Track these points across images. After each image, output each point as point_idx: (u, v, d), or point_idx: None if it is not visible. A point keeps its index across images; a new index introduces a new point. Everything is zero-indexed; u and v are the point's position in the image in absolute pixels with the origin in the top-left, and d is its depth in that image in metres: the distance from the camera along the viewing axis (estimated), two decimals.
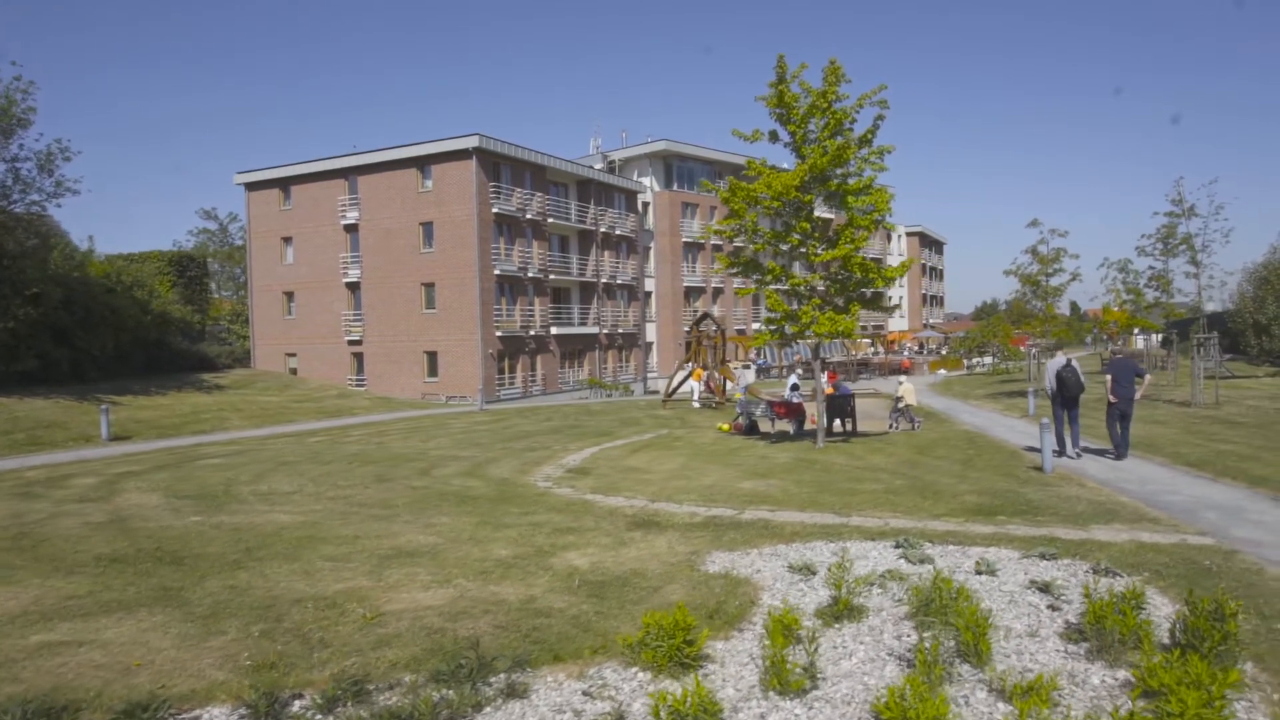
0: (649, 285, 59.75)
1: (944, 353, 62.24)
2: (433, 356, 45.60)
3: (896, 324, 78.14)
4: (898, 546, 8.05)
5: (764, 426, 22.20)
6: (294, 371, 49.57)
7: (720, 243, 60.56)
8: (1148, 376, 15.32)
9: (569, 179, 51.57)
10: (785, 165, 18.54)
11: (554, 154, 49.40)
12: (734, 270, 18.20)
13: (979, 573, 7.11)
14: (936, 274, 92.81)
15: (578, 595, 6.57)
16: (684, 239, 60.35)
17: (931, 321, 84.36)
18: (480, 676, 4.72)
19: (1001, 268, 71.12)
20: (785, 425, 21.67)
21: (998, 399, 30.30)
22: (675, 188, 59.87)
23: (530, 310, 47.38)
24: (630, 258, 56.48)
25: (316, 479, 13.66)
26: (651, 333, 60.08)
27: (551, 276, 49.29)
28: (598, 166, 57.99)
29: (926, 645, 4.70)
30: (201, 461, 16.27)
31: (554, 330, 49.00)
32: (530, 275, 47.08)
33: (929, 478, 13.14)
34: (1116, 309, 36.67)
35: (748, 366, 54.46)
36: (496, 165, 44.80)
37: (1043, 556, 7.63)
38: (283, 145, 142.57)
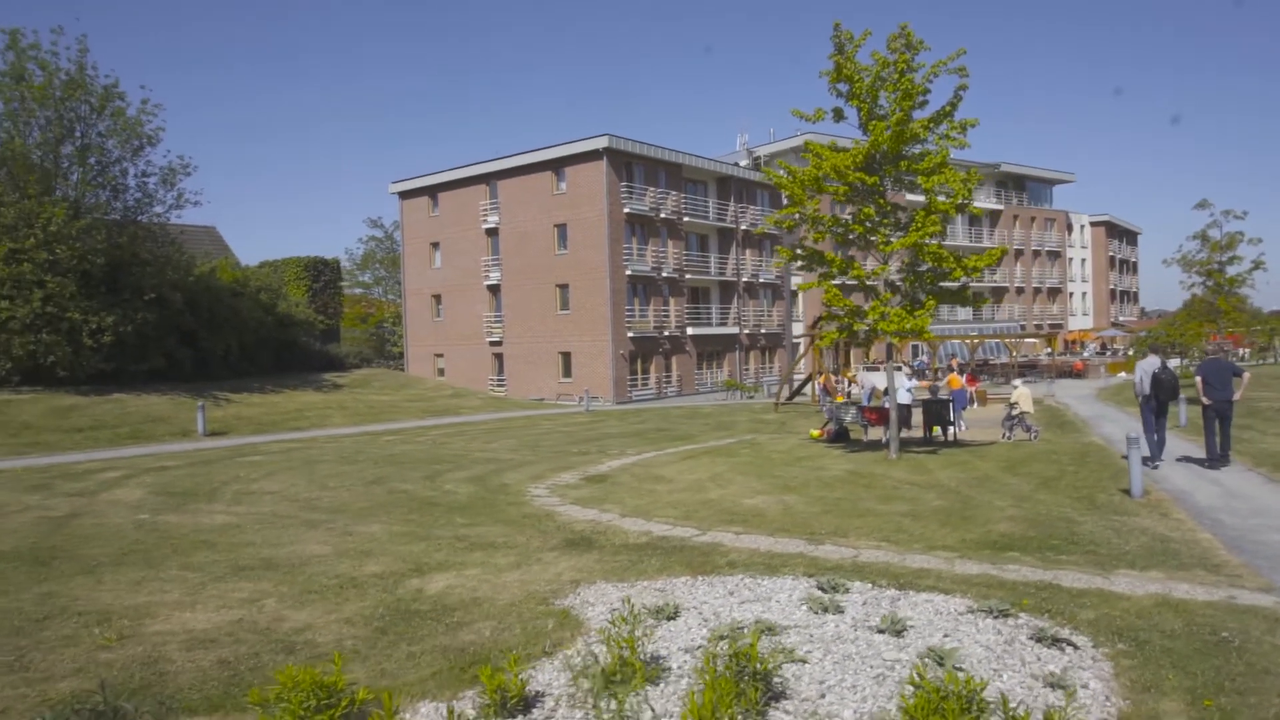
0: (794, 283, 57.60)
1: (1130, 353, 56.16)
2: (566, 357, 45.89)
3: (1079, 322, 71.34)
4: (820, 589, 6.58)
5: (855, 433, 20.37)
6: (441, 372, 51.44)
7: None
8: (1245, 375, 13.58)
9: (708, 176, 50.49)
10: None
11: (695, 152, 48.53)
12: (799, 265, 16.66)
13: (880, 631, 5.59)
14: (1128, 267, 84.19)
15: (365, 627, 5.72)
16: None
17: (1121, 319, 76.51)
18: None
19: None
20: (878, 432, 19.79)
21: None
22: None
23: (664, 310, 46.71)
24: (774, 255, 54.61)
25: (314, 480, 13.55)
26: (798, 332, 57.83)
27: (688, 276, 48.38)
28: (743, 163, 56.50)
29: None
30: (240, 459, 16.66)
31: (690, 331, 48.09)
32: (664, 275, 46.42)
33: (982, 499, 11.22)
34: None
35: (874, 368, 51.46)
36: (629, 165, 44.44)
37: (993, 613, 5.95)
38: (432, 154, 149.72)
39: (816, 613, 5.99)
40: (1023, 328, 64.14)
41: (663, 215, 46.16)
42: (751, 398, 43.53)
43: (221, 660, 5.11)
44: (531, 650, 5.22)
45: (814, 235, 15.94)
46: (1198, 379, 13.51)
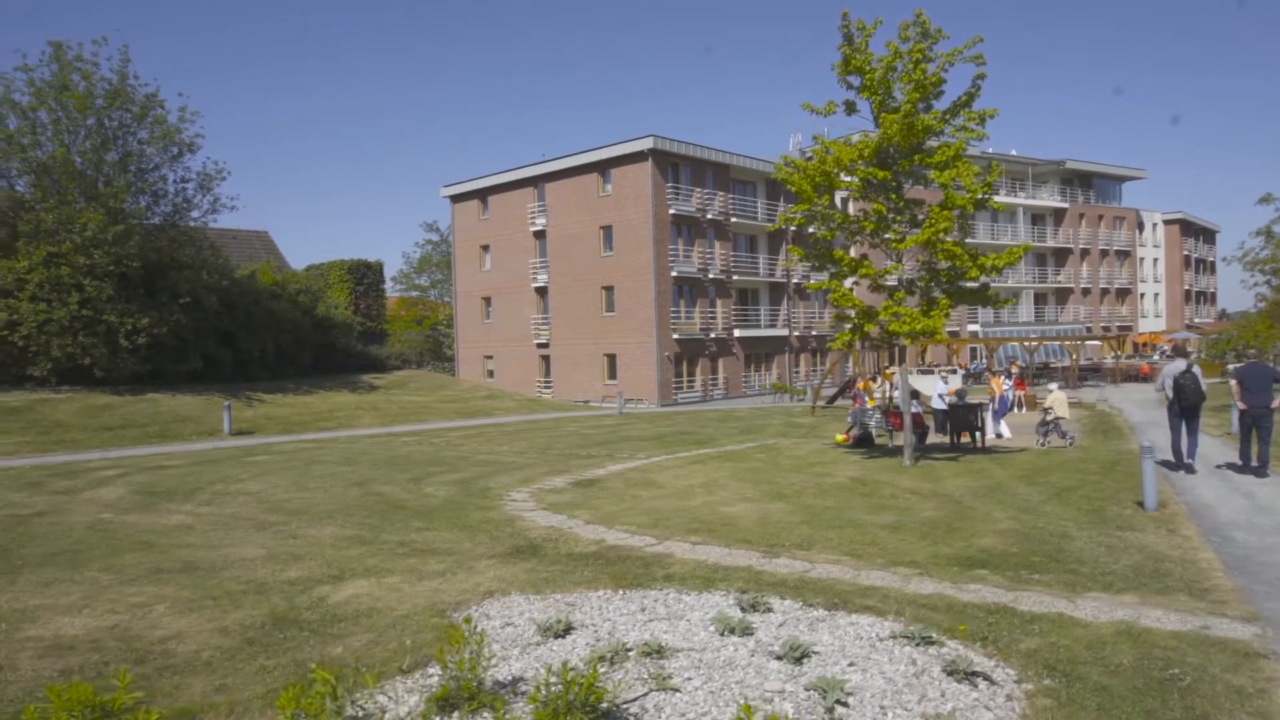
0: (847, 284, 56.37)
1: (1203, 356, 53.54)
2: (612, 359, 45.67)
3: (1150, 324, 68.19)
4: (740, 608, 6.12)
5: (881, 438, 19.63)
6: (490, 374, 51.75)
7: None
8: None
9: (756, 177, 49.72)
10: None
11: (748, 153, 47.85)
12: (811, 264, 16.08)
13: (779, 657, 5.11)
14: (1205, 267, 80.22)
15: (236, 637, 5.49)
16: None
17: (1196, 321, 72.94)
18: None
19: None
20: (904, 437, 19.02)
21: (1219, 412, 24.98)
22: None
23: (711, 312, 46.14)
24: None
25: (299, 481, 13.53)
26: None
27: (735, 277, 47.70)
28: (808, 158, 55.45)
29: None
30: (246, 459, 16.81)
31: (738, 333, 47.41)
32: (711, 276, 45.86)
33: (981, 510, 10.55)
34: None
35: (929, 371, 49.90)
36: (675, 165, 44.02)
37: (915, 639, 5.42)
38: (484, 158, 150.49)
39: (722, 634, 5.54)
40: (1088, 330, 61.60)
41: (710, 216, 45.60)
42: (802, 400, 42.65)
43: (64, 669, 4.93)
44: (388, 668, 4.91)
45: (823, 233, 15.34)
46: (1232, 383, 12.97)
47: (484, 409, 29.78)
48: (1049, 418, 18.55)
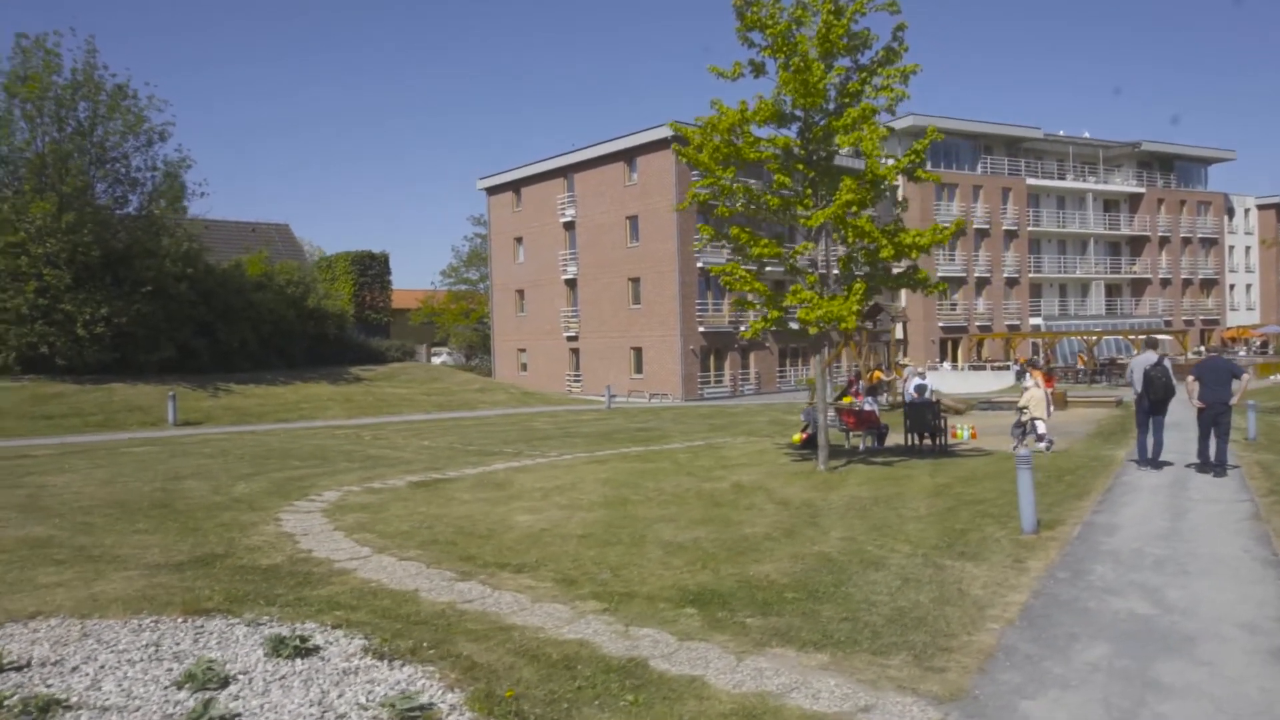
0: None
1: None
2: (638, 353, 44.47)
3: (1241, 317, 62.67)
4: (269, 649, 4.83)
5: (836, 439, 17.86)
6: (524, 367, 51.17)
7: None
8: (1245, 377, 12.30)
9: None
10: None
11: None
12: (725, 244, 14.55)
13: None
14: None
15: None
16: (938, 223, 53.23)
17: None
18: None
19: None
20: (859, 438, 17.30)
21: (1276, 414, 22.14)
22: (930, 167, 52.66)
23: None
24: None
25: (129, 473, 12.87)
26: (899, 328, 53.83)
27: (768, 269, 45.62)
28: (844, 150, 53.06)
29: None
30: (134, 450, 16.19)
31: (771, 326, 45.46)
32: (768, 268, 44.03)
33: (824, 526, 8.96)
34: None
35: (981, 367, 47.10)
36: None
37: (398, 713, 4.04)
38: (520, 150, 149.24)
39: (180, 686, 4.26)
40: (1167, 324, 57.06)
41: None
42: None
43: None
44: None
45: (722, 209, 13.81)
46: (1188, 378, 12.19)
47: (468, 402, 28.98)
48: (1023, 418, 16.46)
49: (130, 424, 20.75)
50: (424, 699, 4.25)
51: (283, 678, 4.52)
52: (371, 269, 41.27)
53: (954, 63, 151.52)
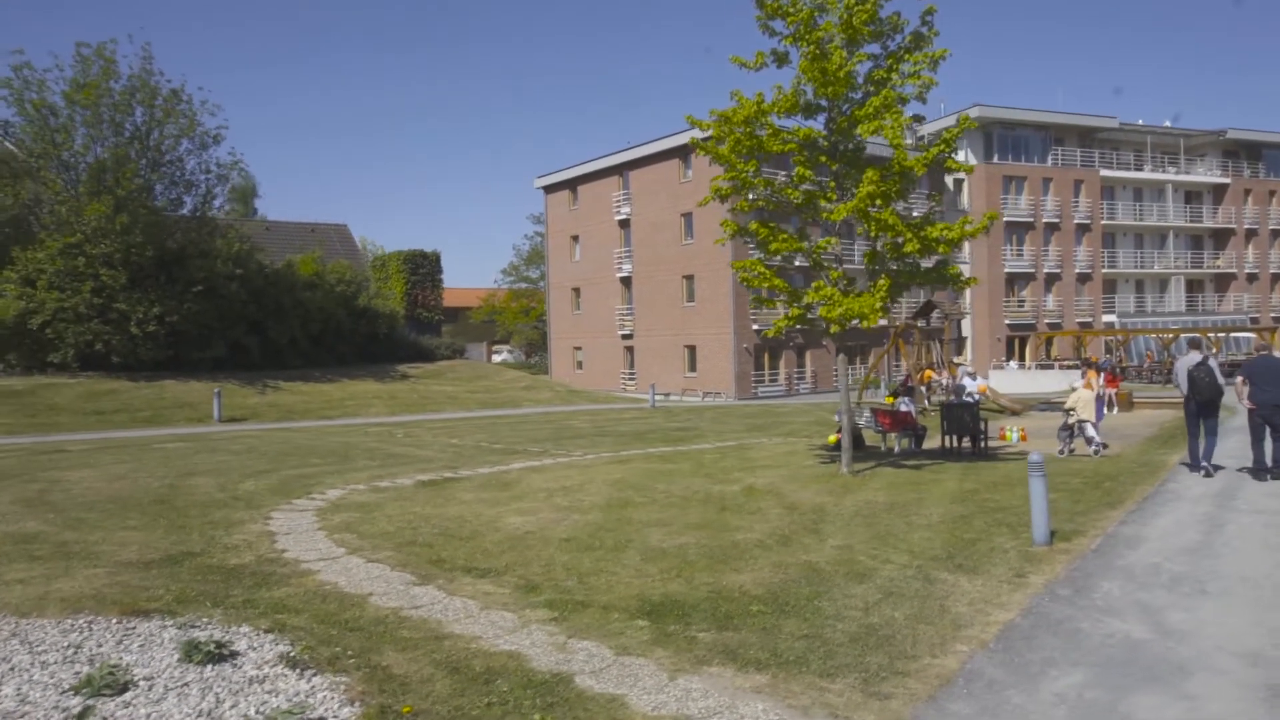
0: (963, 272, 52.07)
1: None
2: (692, 351, 44.11)
3: None
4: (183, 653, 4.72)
5: (872, 440, 17.36)
6: (580, 365, 51.25)
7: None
8: None
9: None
10: None
11: None
12: (750, 240, 14.16)
13: None
14: None
15: None
16: (1006, 218, 51.37)
17: None
18: None
19: None
20: (895, 440, 16.72)
21: None
22: (997, 159, 51.05)
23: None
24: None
25: (148, 469, 13.04)
26: (965, 326, 52.25)
27: (798, 263, 44.83)
28: (908, 142, 51.69)
29: None
30: (169, 445, 16.52)
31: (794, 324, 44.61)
32: (797, 263, 43.18)
33: (824, 534, 8.57)
34: None
35: (1048, 365, 45.29)
36: None
37: None
38: (579, 148, 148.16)
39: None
40: (1254, 320, 54.13)
41: None
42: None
43: None
44: None
45: (742, 204, 13.45)
46: (1238, 379, 11.71)
47: (513, 400, 29.05)
48: (1071, 420, 15.66)
49: (177, 420, 21.37)
50: (316, 713, 4.08)
51: (185, 684, 4.41)
52: (423, 268, 41.82)
53: (1018, 59, 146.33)
